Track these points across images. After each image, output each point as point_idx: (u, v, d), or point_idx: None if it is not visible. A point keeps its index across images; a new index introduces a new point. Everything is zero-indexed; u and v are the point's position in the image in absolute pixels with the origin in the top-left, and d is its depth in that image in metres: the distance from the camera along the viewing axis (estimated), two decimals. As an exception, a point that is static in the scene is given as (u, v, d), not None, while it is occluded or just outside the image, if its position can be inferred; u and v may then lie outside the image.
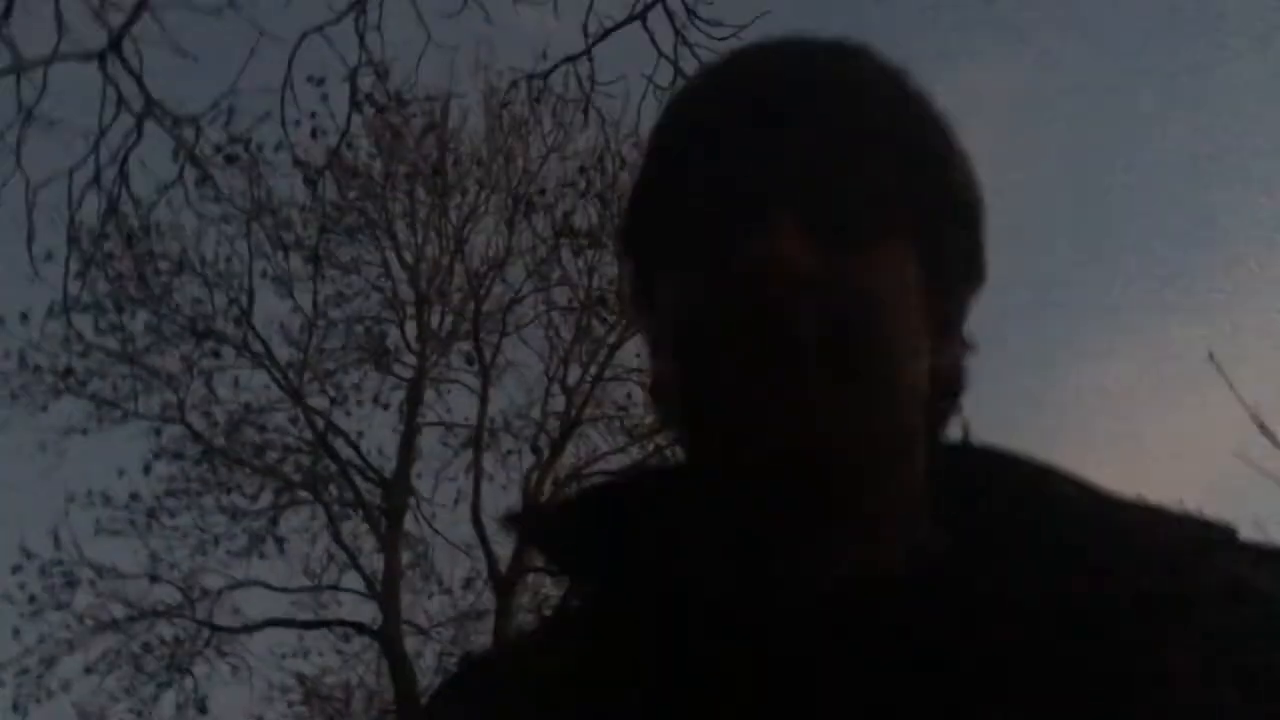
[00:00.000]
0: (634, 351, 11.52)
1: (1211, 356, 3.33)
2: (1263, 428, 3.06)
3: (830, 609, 0.61)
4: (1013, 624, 0.59)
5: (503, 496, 11.11)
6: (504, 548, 10.63)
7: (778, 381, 0.60)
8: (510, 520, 0.78)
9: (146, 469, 10.55)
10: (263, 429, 11.02)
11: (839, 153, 0.64)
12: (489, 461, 11.22)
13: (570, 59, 5.45)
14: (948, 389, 0.68)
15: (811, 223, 0.61)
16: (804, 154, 0.63)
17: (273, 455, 11.07)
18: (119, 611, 10.40)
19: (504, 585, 10.23)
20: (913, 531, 0.65)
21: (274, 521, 10.88)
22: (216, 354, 10.80)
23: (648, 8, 5.44)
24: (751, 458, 0.61)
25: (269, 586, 10.57)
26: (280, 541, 10.77)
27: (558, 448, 11.13)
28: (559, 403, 11.32)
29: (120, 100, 5.32)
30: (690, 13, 5.46)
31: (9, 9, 5.48)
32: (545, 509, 0.74)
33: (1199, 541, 0.63)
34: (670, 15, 5.48)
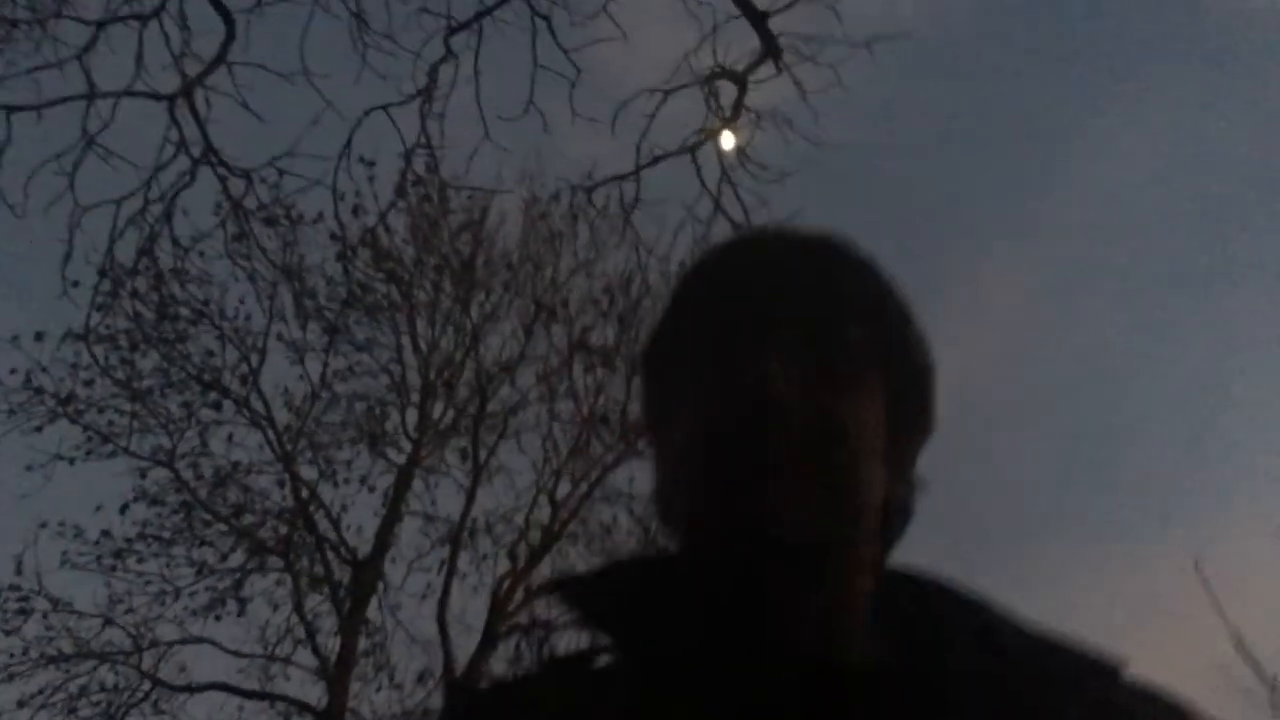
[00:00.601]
0: (627, 476, 11.52)
1: (1197, 567, 3.35)
2: (1239, 645, 3.06)
3: (799, 695, 0.76)
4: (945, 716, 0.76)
5: (471, 598, 11.00)
6: (463, 650, 10.48)
7: (765, 482, 0.77)
8: (555, 585, 0.92)
9: (124, 508, 10.49)
10: (247, 489, 10.99)
11: (821, 314, 0.83)
12: (464, 560, 11.14)
13: (619, 178, 5.66)
14: (898, 515, 0.85)
15: (797, 363, 0.80)
16: (794, 311, 0.83)
17: (251, 517, 11.00)
18: (67, 647, 10.20)
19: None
20: (862, 631, 0.81)
21: (239, 583, 10.75)
22: (218, 406, 10.84)
23: (699, 143, 5.67)
24: (736, 538, 0.78)
25: (221, 648, 10.38)
26: (242, 603, 10.63)
27: (535, 558, 11.04)
28: (544, 514, 11.29)
29: (182, 143, 5.51)
30: (739, 155, 5.67)
31: (92, 42, 5.72)
32: (586, 578, 0.92)
33: (1087, 666, 0.80)
34: (719, 153, 5.70)
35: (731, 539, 0.78)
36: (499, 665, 10.83)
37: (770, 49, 5.34)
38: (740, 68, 5.49)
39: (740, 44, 5.56)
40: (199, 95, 5.53)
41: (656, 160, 5.58)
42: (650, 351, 0.92)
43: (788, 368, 0.79)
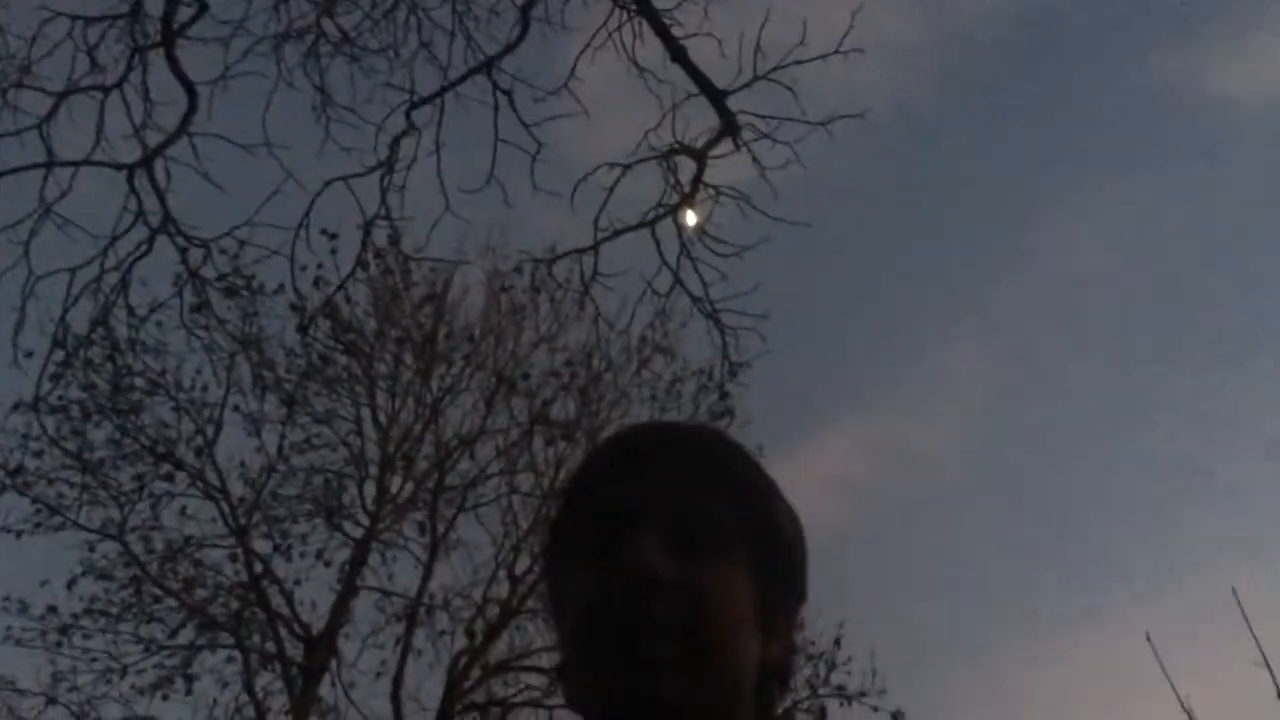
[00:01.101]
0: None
1: (1149, 638, 3.35)
2: (1190, 716, 3.06)
3: None
4: None
5: (428, 675, 10.79)
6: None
7: (644, 653, 0.84)
8: None
9: (71, 583, 10.26)
10: (198, 563, 10.78)
11: (691, 495, 0.92)
12: (420, 637, 10.95)
13: (578, 251, 5.69)
14: (775, 676, 0.93)
15: (669, 541, 0.87)
16: (666, 493, 0.91)
17: (202, 592, 10.79)
18: (6, 727, 9.88)
19: (410, 769, 9.80)
20: None
21: (189, 660, 10.49)
22: (171, 478, 10.68)
23: (659, 218, 5.72)
24: (623, 708, 0.84)
25: (167, 728, 10.11)
26: (190, 681, 10.37)
27: (492, 634, 10.87)
28: (503, 589, 11.14)
29: (140, 213, 5.50)
30: (698, 230, 5.73)
31: (53, 111, 5.72)
32: None
33: None
34: (679, 228, 5.76)
35: (616, 709, 0.85)
36: (454, 745, 10.60)
37: (729, 126, 5.43)
38: (699, 144, 5.58)
39: (700, 122, 5.66)
40: (159, 165, 5.53)
41: (616, 234, 5.63)
42: (546, 545, 1.02)
43: (661, 547, 0.87)
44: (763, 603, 0.91)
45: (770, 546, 0.94)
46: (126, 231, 5.50)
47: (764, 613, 0.91)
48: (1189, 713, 3.28)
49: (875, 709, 9.94)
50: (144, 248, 5.51)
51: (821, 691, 10.14)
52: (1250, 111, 13.94)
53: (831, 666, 10.10)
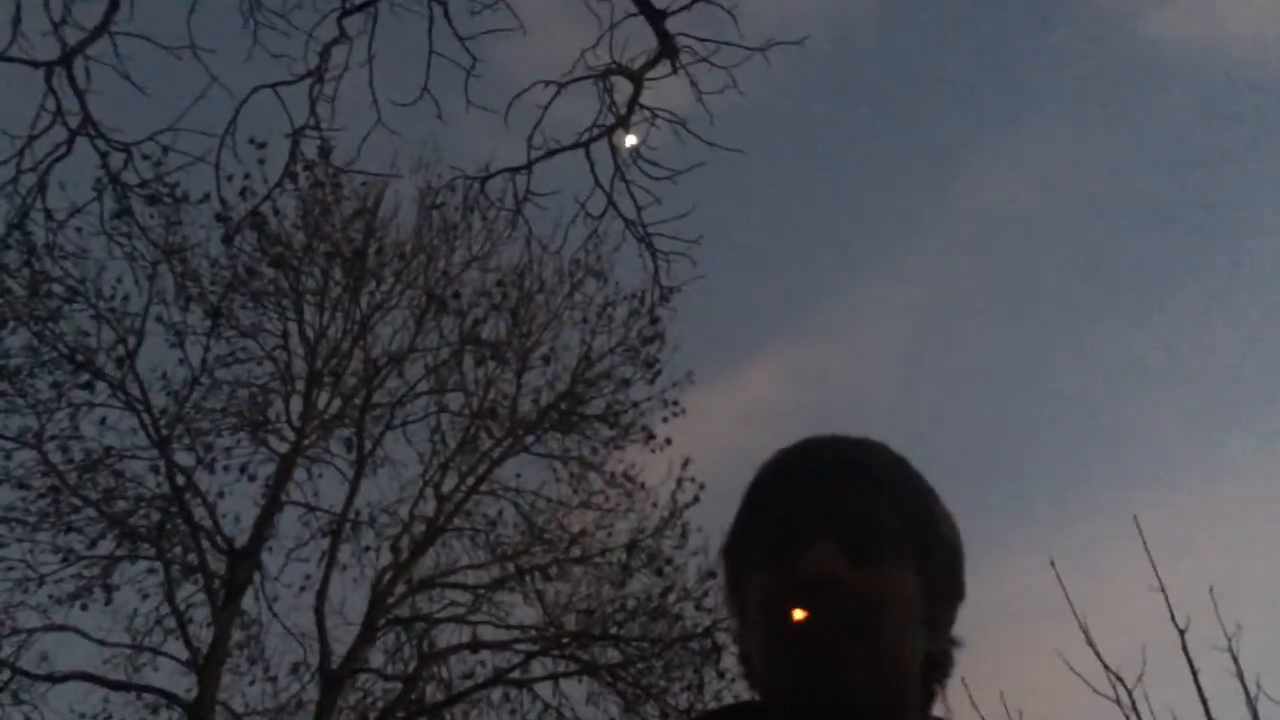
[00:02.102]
0: (514, 471, 11.48)
1: (1053, 564, 3.49)
2: (1087, 636, 3.21)
3: None
4: None
5: (352, 589, 10.84)
6: (341, 643, 10.32)
7: (824, 650, 0.94)
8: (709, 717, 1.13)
9: (-14, 492, 10.08)
10: (119, 474, 10.65)
11: (864, 506, 1.02)
12: (345, 552, 10.97)
13: (512, 170, 5.62)
14: (938, 670, 1.04)
15: (845, 549, 0.98)
16: (842, 506, 1.02)
17: (123, 504, 10.67)
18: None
19: (332, 680, 9.88)
20: None
21: (108, 571, 10.41)
22: (90, 388, 10.49)
23: (594, 139, 5.67)
24: (806, 699, 0.95)
25: (86, 636, 10.04)
26: (110, 591, 10.30)
27: (418, 551, 10.93)
28: (429, 507, 11.18)
29: (59, 113, 5.31)
30: (633, 153, 5.70)
31: (-33, 4, 5.47)
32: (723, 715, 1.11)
33: None
34: (613, 150, 5.72)
35: (807, 700, 0.95)
36: (377, 658, 10.71)
37: (667, 48, 5.37)
38: (637, 65, 5.51)
39: (638, 43, 5.59)
40: (79, 64, 5.33)
41: (550, 153, 5.56)
42: (729, 546, 1.11)
43: (839, 553, 0.97)
44: (929, 602, 1.01)
45: (933, 549, 1.05)
46: (45, 131, 5.31)
47: (930, 611, 1.02)
48: (1086, 632, 3.43)
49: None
50: (63, 149, 5.32)
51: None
52: (1177, 53, 14.13)
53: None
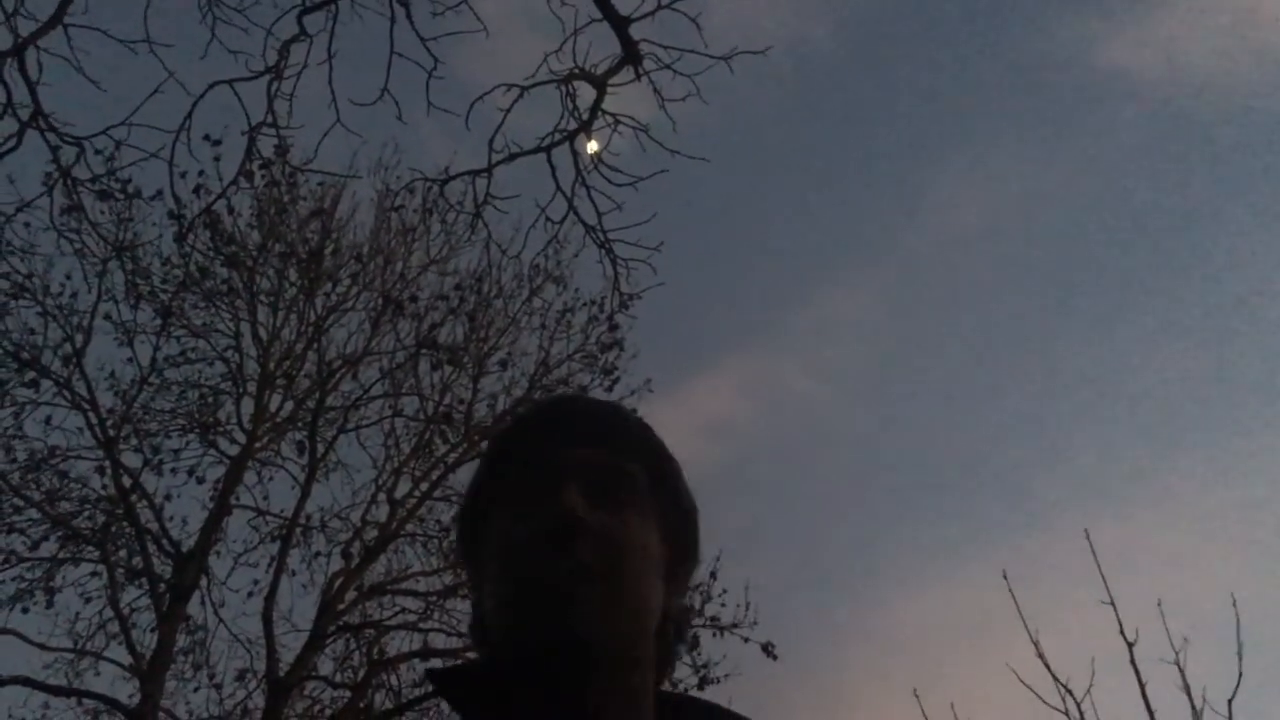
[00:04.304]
0: (468, 477, 11.38)
1: (1005, 576, 3.51)
2: (1038, 648, 3.22)
3: None
4: None
5: (302, 595, 10.70)
6: (289, 649, 10.17)
7: (563, 589, 0.94)
8: (434, 675, 1.07)
9: (-75, 491, 9.84)
10: (63, 475, 10.44)
11: (611, 457, 1.04)
12: (295, 558, 10.82)
13: (472, 173, 5.58)
14: (674, 628, 1.04)
15: (590, 493, 0.99)
16: (588, 457, 1.03)
17: (67, 505, 10.46)
18: None
19: (280, 687, 9.73)
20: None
21: (50, 573, 10.19)
22: (35, 385, 10.28)
23: (556, 143, 5.65)
24: (542, 641, 0.94)
25: (26, 640, 9.81)
26: (52, 594, 10.08)
27: (369, 557, 10.80)
28: (382, 512, 11.06)
29: (9, 104, 5.21)
30: (595, 158, 5.69)
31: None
32: (450, 674, 1.07)
33: None
34: (575, 155, 5.70)
35: (543, 639, 0.94)
36: (325, 666, 10.57)
37: (630, 54, 5.37)
38: (600, 71, 5.50)
39: (601, 49, 5.58)
40: (31, 55, 5.23)
41: (512, 157, 5.54)
42: (465, 503, 1.12)
43: (583, 495, 0.98)
44: (668, 556, 1.04)
45: (675, 509, 1.08)
46: (-7, 124, 5.21)
47: (669, 565, 1.04)
48: (1036, 644, 3.45)
49: (746, 640, 10.22)
50: (12, 141, 5.22)
51: (695, 622, 10.36)
52: (1139, 81, 14.35)
53: (707, 598, 10.31)
